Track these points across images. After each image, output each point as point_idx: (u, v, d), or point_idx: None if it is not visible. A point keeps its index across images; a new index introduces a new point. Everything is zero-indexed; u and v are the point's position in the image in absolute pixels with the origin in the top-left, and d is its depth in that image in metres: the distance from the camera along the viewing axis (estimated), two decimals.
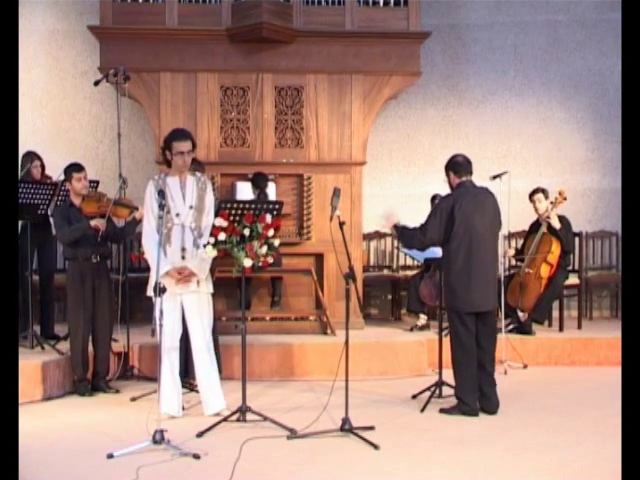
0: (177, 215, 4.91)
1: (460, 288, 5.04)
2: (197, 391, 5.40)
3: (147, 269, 6.26)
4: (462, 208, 5.02)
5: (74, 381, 5.69)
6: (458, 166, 5.20)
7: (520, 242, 7.56)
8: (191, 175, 5.03)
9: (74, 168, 5.68)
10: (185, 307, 4.99)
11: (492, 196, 5.24)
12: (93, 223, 5.54)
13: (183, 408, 5.14)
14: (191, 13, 7.09)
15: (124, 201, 5.88)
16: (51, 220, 6.46)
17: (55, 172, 6.59)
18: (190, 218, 4.91)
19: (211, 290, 5.07)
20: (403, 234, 5.28)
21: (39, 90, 8.14)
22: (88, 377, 5.71)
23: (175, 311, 4.95)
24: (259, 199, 6.67)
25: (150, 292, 4.94)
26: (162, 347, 4.86)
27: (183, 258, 4.88)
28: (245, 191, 6.95)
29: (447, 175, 5.26)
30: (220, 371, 5.57)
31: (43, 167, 6.59)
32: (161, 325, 4.47)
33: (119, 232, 5.85)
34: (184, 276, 4.88)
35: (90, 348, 5.72)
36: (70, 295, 5.66)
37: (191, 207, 4.92)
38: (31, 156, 6.49)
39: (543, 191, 7.08)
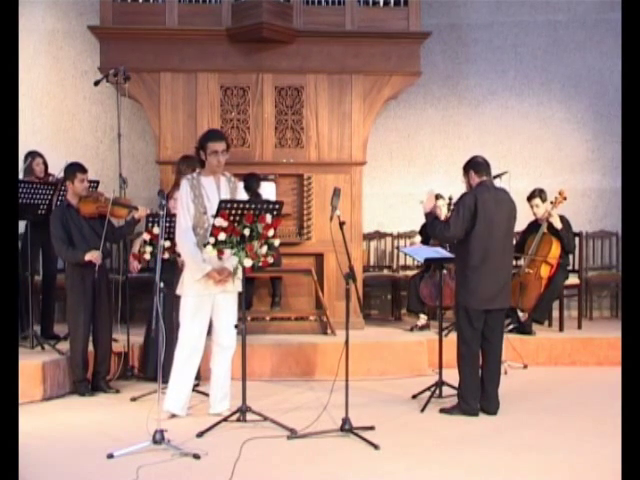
0: (213, 216, 4.90)
1: (475, 284, 5.06)
2: (199, 391, 5.41)
3: (149, 269, 6.27)
4: (484, 206, 5.07)
5: (74, 381, 5.68)
6: (479, 166, 5.26)
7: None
8: (223, 176, 5.03)
9: (78, 168, 5.64)
10: (217, 306, 4.97)
11: (509, 197, 5.28)
12: (87, 258, 5.47)
13: None
14: (191, 13, 7.09)
15: (123, 201, 5.84)
16: None
17: (56, 171, 6.60)
18: None
19: (240, 289, 5.02)
20: (433, 223, 5.33)
21: (39, 90, 8.14)
22: (88, 377, 5.70)
23: (208, 312, 4.95)
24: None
25: (179, 290, 4.99)
26: (187, 347, 4.88)
27: (220, 259, 4.84)
28: (244, 192, 6.93)
29: (467, 174, 5.30)
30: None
31: (46, 165, 6.59)
32: (160, 326, 4.47)
33: (117, 232, 5.84)
34: (224, 277, 4.87)
35: (90, 348, 5.72)
36: (70, 295, 5.65)
37: None
38: (33, 154, 6.51)
39: (541, 193, 7.06)
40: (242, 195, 5.06)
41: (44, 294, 6.53)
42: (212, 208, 4.87)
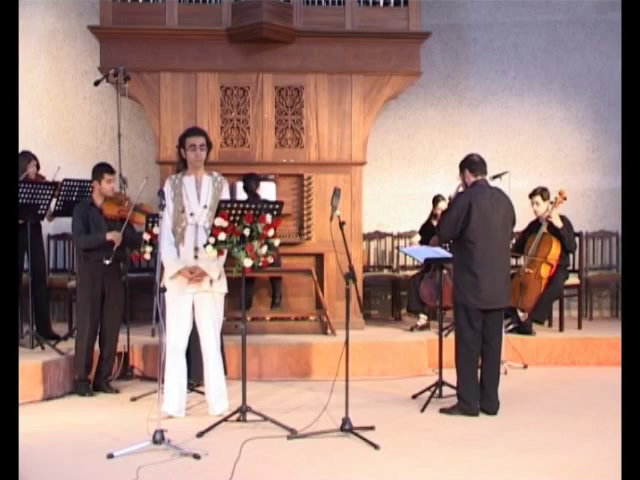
0: (191, 214, 4.91)
1: (472, 284, 5.06)
2: (198, 391, 5.42)
3: (149, 269, 6.29)
4: (479, 206, 5.07)
5: (74, 380, 5.68)
6: (474, 165, 5.25)
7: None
8: (207, 175, 5.03)
9: (106, 169, 5.66)
10: (196, 306, 4.98)
11: (506, 196, 5.29)
12: (109, 237, 5.50)
13: None
14: (191, 13, 7.09)
15: (145, 208, 5.79)
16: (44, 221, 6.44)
17: (51, 172, 6.58)
18: (204, 218, 4.90)
19: (225, 290, 5.05)
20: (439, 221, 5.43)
21: (39, 90, 8.14)
22: (89, 377, 5.70)
23: (186, 311, 4.95)
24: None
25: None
26: (168, 346, 4.87)
27: (196, 257, 4.86)
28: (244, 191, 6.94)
29: (462, 173, 5.31)
30: (225, 372, 5.53)
31: (38, 167, 6.58)
32: (160, 324, 4.47)
33: (136, 238, 5.79)
34: (195, 276, 4.87)
35: (96, 348, 5.72)
36: (79, 295, 5.68)
37: (205, 207, 4.92)
38: (28, 156, 6.48)
39: (542, 192, 7.07)
40: (226, 195, 5.03)
41: (34, 295, 6.50)
42: (190, 207, 4.91)
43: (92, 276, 5.58)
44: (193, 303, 4.97)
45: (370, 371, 6.35)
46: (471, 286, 5.07)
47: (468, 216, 5.05)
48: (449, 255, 5.67)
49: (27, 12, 7.98)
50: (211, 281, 4.92)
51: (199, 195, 4.95)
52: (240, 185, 6.99)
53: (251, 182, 6.86)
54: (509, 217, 5.26)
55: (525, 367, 6.61)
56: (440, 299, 5.76)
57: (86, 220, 5.61)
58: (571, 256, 7.31)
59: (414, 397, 5.58)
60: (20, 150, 6.53)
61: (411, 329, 7.17)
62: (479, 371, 5.17)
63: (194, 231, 4.91)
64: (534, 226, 7.14)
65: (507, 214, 5.23)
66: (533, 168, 8.52)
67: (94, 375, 5.76)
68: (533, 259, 6.96)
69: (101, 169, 5.67)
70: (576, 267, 7.55)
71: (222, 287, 5.02)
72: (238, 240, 4.69)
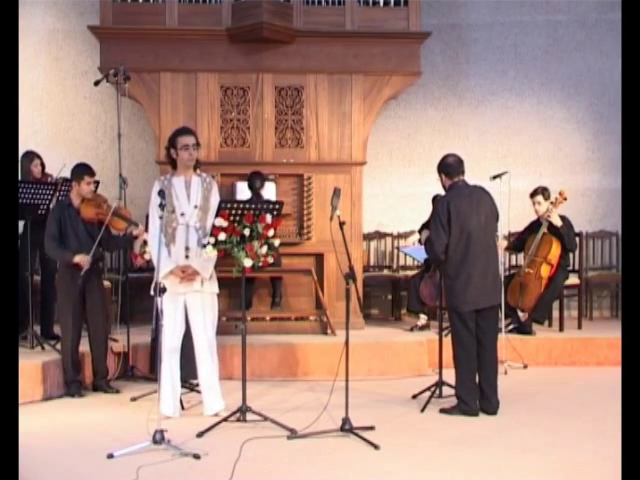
0: (182, 215, 4.92)
1: (458, 287, 5.05)
2: (197, 391, 5.41)
3: (148, 269, 6.29)
4: (456, 208, 5.04)
5: (65, 382, 5.64)
6: (449, 167, 5.22)
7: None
8: (196, 175, 5.04)
9: (87, 171, 5.60)
10: (188, 306, 4.99)
11: (487, 193, 5.24)
12: (76, 260, 5.43)
13: (183, 408, 5.15)
14: (191, 13, 7.09)
15: (124, 213, 5.72)
16: None
17: (54, 172, 6.59)
18: (195, 218, 4.92)
19: (216, 290, 5.06)
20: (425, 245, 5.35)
21: (39, 90, 8.14)
22: (79, 378, 5.67)
23: (177, 311, 4.96)
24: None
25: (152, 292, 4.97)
26: (162, 347, 4.87)
27: (187, 257, 4.88)
28: (246, 191, 6.95)
29: (439, 176, 5.29)
30: None
31: (43, 166, 6.59)
32: (161, 325, 4.49)
33: (113, 242, 5.76)
34: (187, 275, 4.88)
35: (88, 349, 5.72)
36: (60, 297, 5.65)
37: (196, 207, 4.93)
38: (30, 155, 6.50)
39: (544, 191, 7.06)
40: (216, 196, 5.03)
41: (42, 294, 6.52)
42: (180, 207, 4.92)
43: (71, 278, 5.50)
44: (185, 304, 4.99)
45: (370, 371, 6.35)
46: (457, 289, 5.05)
47: (448, 220, 5.03)
48: None
49: (27, 12, 7.98)
50: (202, 281, 4.93)
51: (189, 195, 4.96)
52: (240, 185, 7.00)
53: (256, 181, 6.87)
54: (492, 214, 5.21)
55: (525, 367, 6.60)
56: (440, 299, 5.76)
57: (63, 223, 5.54)
58: (571, 256, 7.31)
59: (414, 397, 5.58)
60: (24, 150, 6.56)
61: (411, 329, 7.17)
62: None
63: (185, 231, 4.92)
64: (534, 226, 7.13)
65: (489, 212, 5.18)
66: (533, 168, 8.52)
67: (92, 376, 5.75)
68: (533, 259, 6.96)
69: (82, 171, 5.60)
70: (576, 267, 7.55)
71: (213, 287, 5.03)
72: (238, 240, 4.70)
